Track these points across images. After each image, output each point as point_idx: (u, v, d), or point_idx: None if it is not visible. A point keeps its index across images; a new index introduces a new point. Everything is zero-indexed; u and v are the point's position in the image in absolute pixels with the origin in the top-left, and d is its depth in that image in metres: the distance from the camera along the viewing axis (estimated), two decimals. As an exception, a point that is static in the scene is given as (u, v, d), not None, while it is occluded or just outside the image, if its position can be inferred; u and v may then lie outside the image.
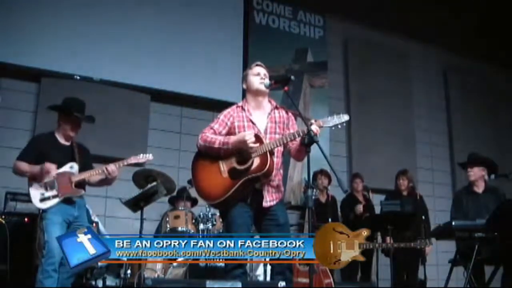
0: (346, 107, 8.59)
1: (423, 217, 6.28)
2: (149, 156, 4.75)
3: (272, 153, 3.59)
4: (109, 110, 6.36)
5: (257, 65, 3.86)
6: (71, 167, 4.49)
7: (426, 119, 9.43)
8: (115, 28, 6.79)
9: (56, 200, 4.35)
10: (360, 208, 6.70)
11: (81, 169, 4.52)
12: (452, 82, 9.85)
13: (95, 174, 4.54)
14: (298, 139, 3.55)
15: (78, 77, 6.48)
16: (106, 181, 4.63)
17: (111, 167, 4.50)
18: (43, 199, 4.34)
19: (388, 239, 6.19)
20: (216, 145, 3.59)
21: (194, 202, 6.25)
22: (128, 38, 6.85)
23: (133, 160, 4.66)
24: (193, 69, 7.19)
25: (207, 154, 3.68)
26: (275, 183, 3.68)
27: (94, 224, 5.45)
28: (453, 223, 4.82)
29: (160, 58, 6.99)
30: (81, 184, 4.53)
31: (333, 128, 3.56)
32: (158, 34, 7.07)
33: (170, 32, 7.18)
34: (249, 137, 3.51)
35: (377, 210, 6.76)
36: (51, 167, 4.35)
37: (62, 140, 4.57)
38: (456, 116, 9.69)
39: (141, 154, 4.75)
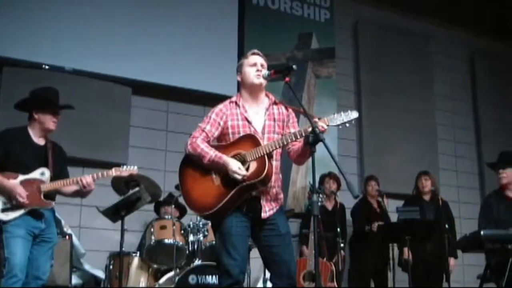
0: (356, 101, 8.63)
1: (447, 225, 6.29)
2: (134, 169, 4.70)
3: (270, 156, 3.59)
4: (84, 105, 6.35)
5: (253, 53, 3.86)
6: (41, 174, 4.41)
7: (449, 113, 9.47)
8: (91, 11, 6.80)
9: (20, 212, 4.26)
10: (375, 226, 6.71)
11: (54, 177, 4.43)
12: (480, 70, 9.90)
13: (68, 184, 4.44)
14: (300, 139, 3.56)
15: (46, 67, 6.49)
16: (80, 193, 4.55)
17: (87, 179, 4.41)
18: (5, 209, 4.23)
19: (406, 251, 6.22)
20: (206, 161, 3.58)
21: (182, 210, 6.27)
22: (106, 23, 6.87)
23: (114, 172, 4.59)
24: (181, 58, 7.22)
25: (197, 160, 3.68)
26: (274, 190, 3.69)
27: (67, 237, 5.46)
28: (482, 232, 4.82)
29: (143, 45, 7.00)
30: (51, 195, 4.45)
31: (340, 127, 3.56)
32: (141, 18, 7.09)
33: (155, 16, 7.20)
34: (235, 171, 3.49)
35: (393, 218, 6.79)
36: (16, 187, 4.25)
37: (35, 138, 4.48)
38: (485, 109, 9.73)
39: (124, 166, 4.68)
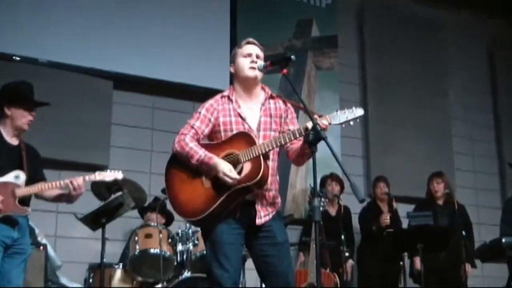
0: (361, 94, 8.68)
1: (464, 232, 6.34)
2: (118, 175, 4.72)
3: (266, 156, 3.61)
4: (60, 101, 6.31)
5: (248, 43, 3.86)
6: (16, 177, 4.37)
7: (465, 107, 9.50)
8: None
9: None
10: (386, 218, 6.76)
11: (29, 180, 4.41)
12: (499, 58, 9.92)
13: (51, 188, 4.43)
14: (299, 138, 3.57)
15: (17, 58, 6.50)
16: (66, 198, 4.53)
17: (78, 181, 4.40)
18: None
19: (417, 261, 6.27)
20: (194, 162, 3.60)
21: (169, 217, 6.29)
22: (83, 10, 6.88)
23: (97, 177, 4.60)
24: (168, 49, 7.24)
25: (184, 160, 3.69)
26: (270, 193, 3.70)
27: (41, 248, 5.44)
28: (504, 240, 4.87)
29: (125, 35, 7.04)
30: (26, 200, 4.43)
31: (343, 125, 3.57)
32: (122, 5, 7.11)
33: (138, 2, 7.23)
34: (226, 173, 3.50)
35: (404, 224, 6.84)
36: None
37: (8, 138, 4.46)
38: (505, 102, 9.75)
39: (108, 171, 4.70)
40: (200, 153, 3.59)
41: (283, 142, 3.57)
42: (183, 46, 7.33)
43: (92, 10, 6.95)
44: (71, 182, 4.39)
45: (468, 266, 6.45)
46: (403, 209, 6.94)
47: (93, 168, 4.78)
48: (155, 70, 7.15)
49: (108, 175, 4.62)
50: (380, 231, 6.73)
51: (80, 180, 4.42)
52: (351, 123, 3.54)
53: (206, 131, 3.73)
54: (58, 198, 4.59)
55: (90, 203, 5.28)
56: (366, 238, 7.05)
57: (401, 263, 6.75)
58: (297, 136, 3.54)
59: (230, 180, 3.50)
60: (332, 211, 6.94)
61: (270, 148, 3.56)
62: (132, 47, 7.03)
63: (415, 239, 5.94)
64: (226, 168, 3.52)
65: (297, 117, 3.96)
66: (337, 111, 3.54)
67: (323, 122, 3.44)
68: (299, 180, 7.78)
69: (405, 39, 9.04)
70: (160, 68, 7.17)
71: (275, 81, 6.79)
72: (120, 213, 5.23)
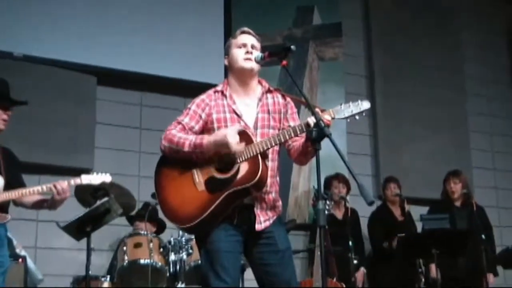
0: (368, 87, 8.68)
1: (483, 236, 6.32)
2: (106, 177, 4.72)
3: (265, 155, 3.60)
4: (38, 98, 6.30)
5: (243, 32, 3.87)
6: None
7: (484, 99, 9.52)
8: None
9: None
10: (395, 243, 6.71)
11: (7, 186, 4.43)
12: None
13: (32, 193, 4.45)
14: (301, 135, 3.56)
15: (-11, 52, 6.48)
16: (51, 203, 4.54)
17: (62, 184, 4.43)
18: None
19: (433, 268, 6.23)
20: (186, 148, 3.58)
21: (160, 225, 6.29)
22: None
23: (83, 180, 4.62)
24: (156, 40, 7.22)
25: (175, 160, 3.68)
26: (270, 196, 3.70)
27: (20, 260, 5.42)
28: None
29: (110, 25, 7.01)
30: (5, 207, 4.45)
31: (348, 120, 3.56)
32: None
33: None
34: (232, 139, 3.48)
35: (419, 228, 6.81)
36: None
37: None
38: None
39: (95, 173, 4.72)
40: (190, 138, 3.60)
41: (283, 140, 3.56)
42: (172, 37, 7.32)
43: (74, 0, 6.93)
44: (55, 186, 4.42)
45: (490, 277, 6.43)
46: (416, 212, 6.93)
47: (76, 172, 4.78)
48: (143, 63, 7.13)
49: (95, 178, 4.68)
50: (392, 248, 6.72)
51: (65, 184, 4.45)
52: (357, 117, 3.53)
53: (196, 127, 3.72)
54: (39, 205, 4.61)
55: (74, 210, 5.24)
56: (378, 251, 7.02)
57: (419, 269, 6.72)
58: (298, 132, 3.52)
59: (235, 147, 3.47)
60: (339, 215, 6.94)
61: (269, 146, 3.55)
62: (117, 39, 7.00)
63: (430, 244, 5.91)
64: (219, 137, 3.51)
65: (298, 112, 3.95)
66: (341, 104, 3.54)
67: (326, 117, 3.44)
68: (301, 182, 7.77)
69: (416, 26, 9.05)
70: (148, 62, 7.15)
71: (274, 73, 6.78)
72: (107, 220, 5.22)
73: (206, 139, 3.56)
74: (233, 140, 3.47)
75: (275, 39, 7.88)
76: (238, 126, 3.60)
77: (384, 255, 6.87)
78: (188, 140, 3.59)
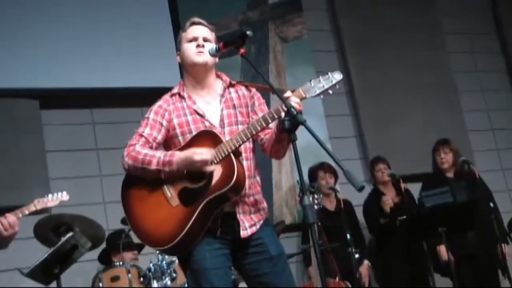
0: (341, 62, 8.67)
1: (491, 204, 6.39)
2: (63, 196, 4.69)
3: (238, 154, 3.61)
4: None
5: (192, 24, 3.87)
6: None
7: (468, 54, 9.51)
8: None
9: None
10: (387, 200, 6.81)
11: None
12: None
13: None
14: (273, 124, 3.58)
15: None
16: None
17: (9, 218, 4.31)
18: None
19: (442, 249, 6.30)
20: (154, 167, 3.59)
21: (141, 249, 6.28)
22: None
23: (37, 205, 4.58)
24: (98, 50, 7.17)
25: (142, 178, 3.69)
26: (252, 198, 3.71)
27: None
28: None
29: (44, 41, 6.95)
30: None
31: (321, 96, 3.59)
32: (39, 7, 7.04)
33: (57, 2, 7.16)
34: (200, 157, 3.50)
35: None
36: None
37: None
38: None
39: (49, 195, 4.68)
40: (158, 154, 3.60)
41: (254, 132, 3.57)
42: (115, 43, 7.27)
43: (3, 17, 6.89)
44: (0, 222, 4.33)
45: (504, 246, 6.49)
46: (415, 190, 6.97)
47: (38, 211, 4.70)
48: (88, 78, 7.07)
49: (50, 201, 4.62)
50: (392, 220, 6.75)
51: (12, 217, 4.34)
52: (330, 91, 3.57)
53: (159, 137, 3.73)
54: None
55: (36, 253, 5.23)
56: (379, 234, 7.07)
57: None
58: (270, 121, 3.54)
59: (210, 167, 3.51)
60: (331, 207, 7.00)
61: (240, 142, 3.55)
62: (54, 55, 6.96)
63: (435, 222, 5.97)
64: (188, 156, 3.52)
65: (269, 101, 3.95)
66: (310, 81, 3.58)
67: (296, 100, 3.45)
68: (284, 178, 7.77)
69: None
70: (94, 75, 7.09)
71: (237, 64, 6.80)
72: (75, 257, 5.21)
73: (177, 156, 3.57)
74: (201, 157, 3.50)
75: (230, 26, 7.88)
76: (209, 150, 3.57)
77: (385, 235, 6.92)
78: (155, 157, 3.59)
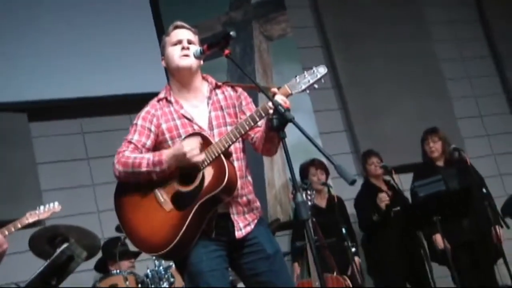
0: (326, 57, 8.68)
1: (484, 190, 6.43)
2: (55, 207, 4.68)
3: (228, 155, 3.62)
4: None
5: (175, 27, 3.88)
6: None
7: (453, 42, 9.52)
8: None
9: None
10: (384, 197, 6.82)
11: None
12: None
13: None
14: (261, 122, 3.59)
15: None
16: None
17: None
18: None
19: (438, 238, 6.32)
20: (144, 168, 3.59)
21: (138, 256, 6.28)
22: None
23: (30, 218, 4.58)
24: (84, 59, 7.18)
25: (134, 184, 3.69)
26: (245, 198, 3.72)
27: None
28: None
29: (29, 52, 6.96)
30: None
31: (307, 91, 3.60)
32: (22, 17, 7.02)
33: (40, 11, 7.14)
34: (190, 147, 3.51)
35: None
36: None
37: None
38: (500, 31, 9.68)
39: (41, 207, 4.67)
40: (147, 156, 3.61)
41: (243, 132, 3.57)
42: (101, 52, 7.28)
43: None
44: None
45: (498, 229, 6.51)
46: (406, 181, 7.01)
47: (30, 224, 4.70)
48: (75, 88, 7.09)
49: (42, 213, 4.61)
50: (385, 216, 6.76)
51: None
52: (316, 86, 3.58)
53: (148, 143, 3.73)
54: None
55: (33, 266, 5.21)
56: (368, 228, 7.06)
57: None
58: (258, 120, 3.55)
59: (197, 158, 3.51)
60: (323, 203, 7.00)
61: (230, 142, 3.56)
62: (40, 66, 6.97)
63: (430, 212, 5.99)
64: (177, 150, 3.54)
65: (256, 100, 3.96)
66: (296, 77, 3.59)
67: (282, 98, 3.46)
68: (276, 176, 7.79)
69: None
70: (80, 84, 7.10)
71: (222, 65, 6.80)
72: (72, 268, 5.20)
73: (165, 154, 3.58)
74: (191, 147, 3.50)
75: (214, 27, 7.89)
76: (195, 138, 3.59)
77: (378, 231, 6.93)
78: (144, 159, 3.60)
